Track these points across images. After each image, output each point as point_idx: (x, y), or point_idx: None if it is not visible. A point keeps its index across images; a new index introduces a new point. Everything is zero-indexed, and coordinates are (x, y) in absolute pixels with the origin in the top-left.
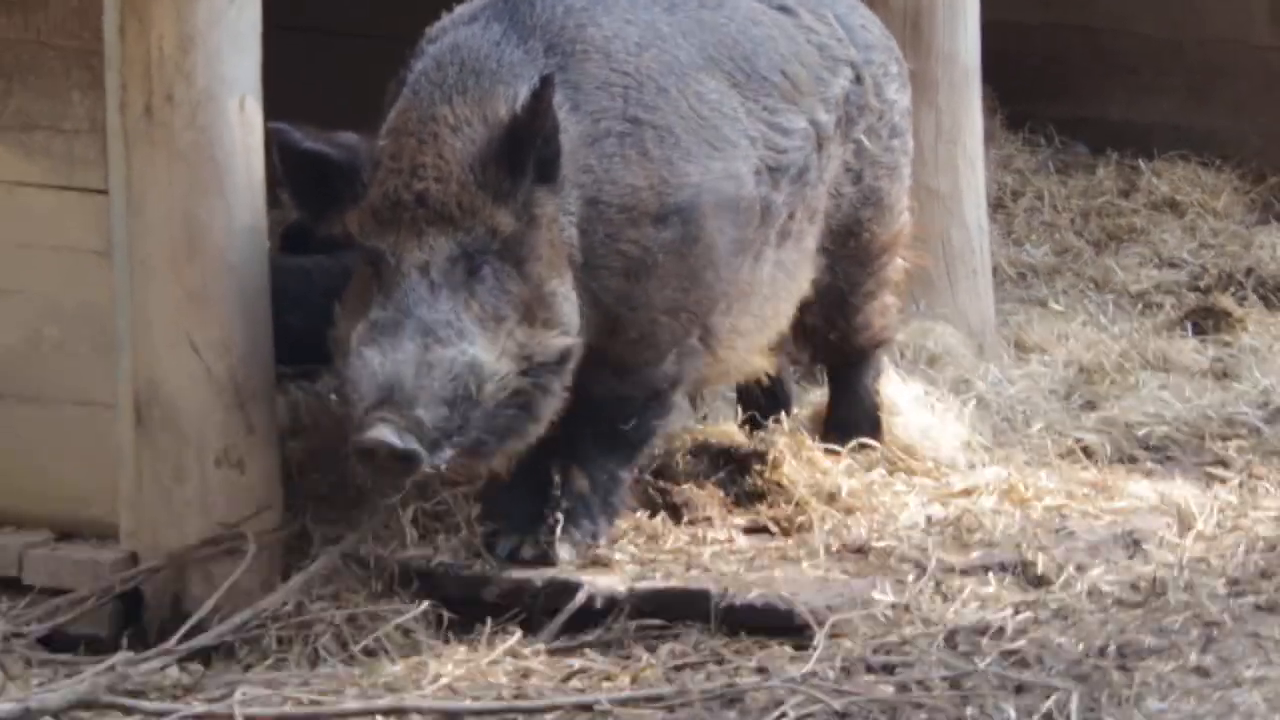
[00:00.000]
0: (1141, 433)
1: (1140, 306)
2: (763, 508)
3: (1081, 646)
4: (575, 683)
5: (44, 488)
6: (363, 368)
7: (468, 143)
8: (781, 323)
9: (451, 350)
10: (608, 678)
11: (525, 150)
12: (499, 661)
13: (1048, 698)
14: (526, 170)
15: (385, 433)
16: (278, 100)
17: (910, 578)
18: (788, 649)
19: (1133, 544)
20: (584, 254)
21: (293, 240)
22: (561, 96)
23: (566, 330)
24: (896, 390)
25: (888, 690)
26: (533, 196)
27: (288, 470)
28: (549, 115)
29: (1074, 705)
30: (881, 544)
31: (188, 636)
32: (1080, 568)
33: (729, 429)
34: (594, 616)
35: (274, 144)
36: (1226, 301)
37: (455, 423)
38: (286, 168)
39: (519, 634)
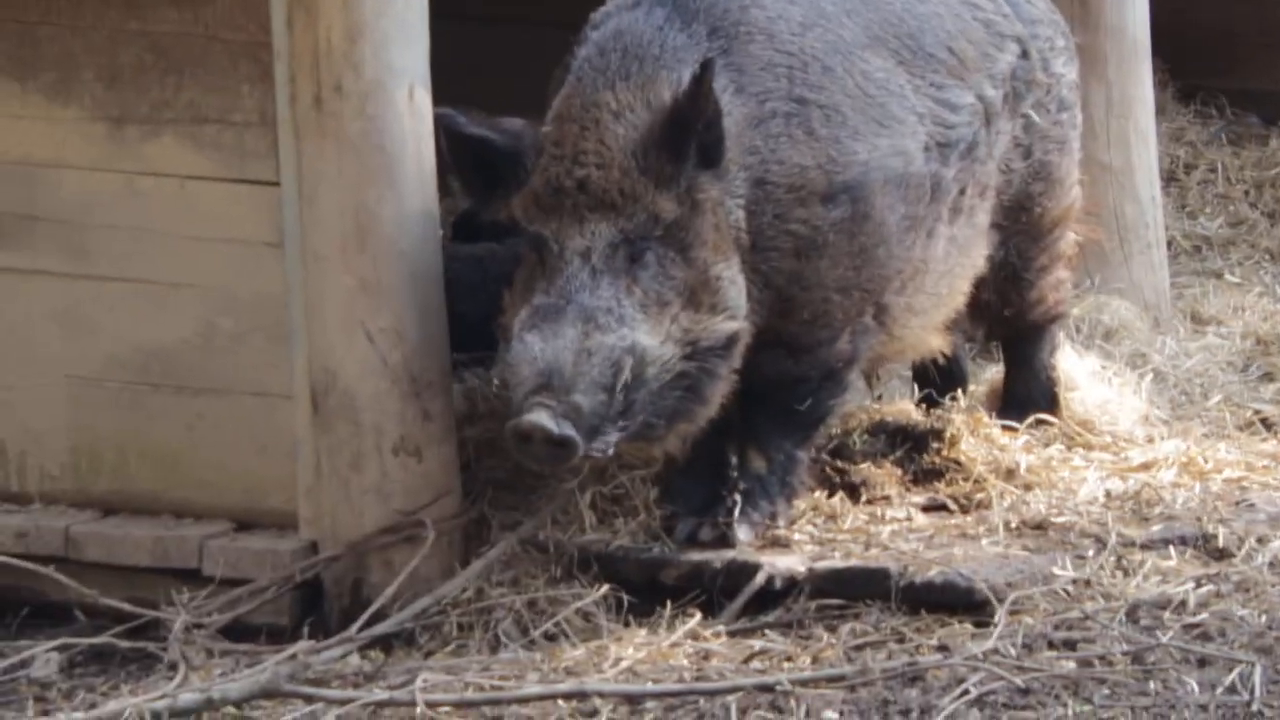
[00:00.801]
0: None
1: None
2: (941, 485)
3: (1264, 619)
4: (756, 664)
5: (222, 479)
6: (523, 353)
7: (630, 129)
8: (957, 300)
9: (611, 336)
10: (788, 658)
11: (687, 135)
12: (679, 644)
13: (1230, 671)
14: (688, 155)
15: (542, 417)
16: (448, 89)
17: (1090, 553)
18: (968, 626)
19: None
20: (752, 235)
21: (465, 228)
22: (725, 80)
23: (733, 314)
24: (1073, 365)
25: (1069, 666)
26: (695, 182)
27: (465, 457)
28: (710, 100)
29: (1257, 678)
30: (1061, 519)
31: (368, 624)
32: (1261, 540)
33: (905, 407)
34: (774, 597)
35: (440, 129)
36: None
37: (616, 408)
38: (452, 153)
39: (699, 616)
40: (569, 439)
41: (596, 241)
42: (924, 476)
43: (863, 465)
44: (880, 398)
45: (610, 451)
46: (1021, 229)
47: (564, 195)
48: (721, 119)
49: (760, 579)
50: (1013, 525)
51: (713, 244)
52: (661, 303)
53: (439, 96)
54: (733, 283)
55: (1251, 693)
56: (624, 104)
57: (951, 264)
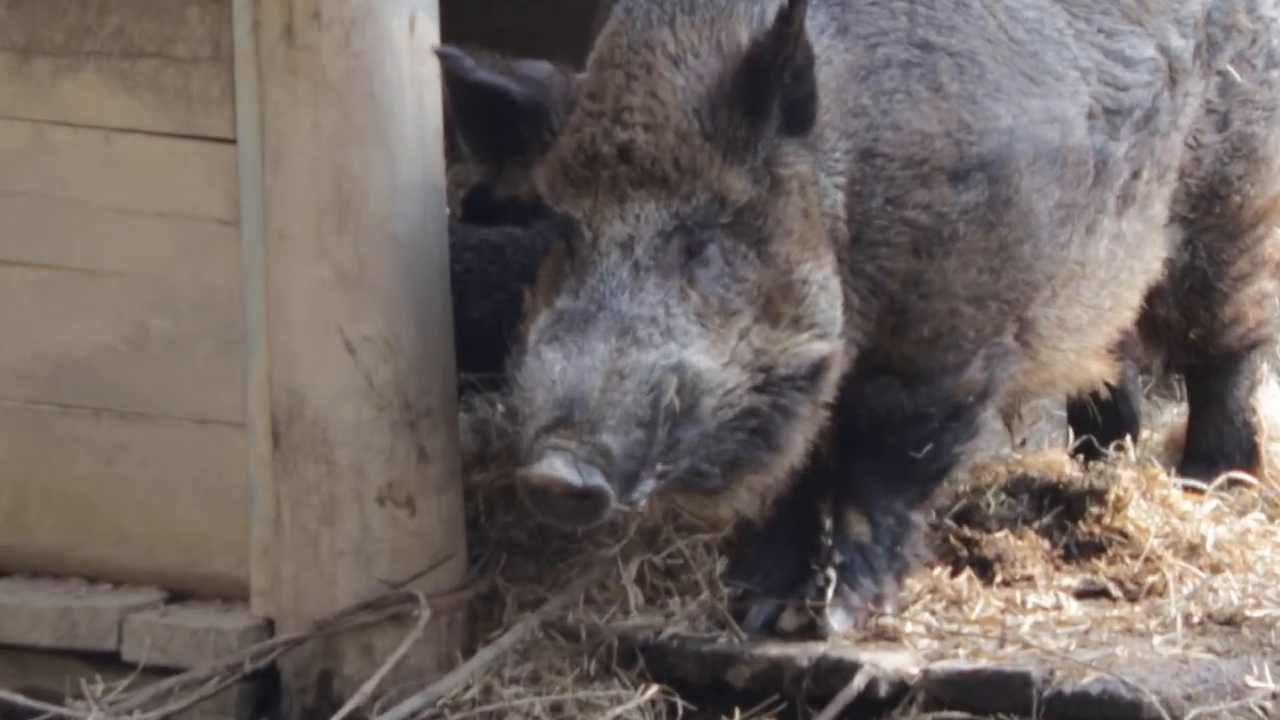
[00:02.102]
0: None
1: None
2: (1101, 564)
3: None
4: None
5: (151, 533)
6: (539, 375)
7: (693, 79)
8: (1124, 315)
9: (652, 354)
10: None
11: (768, 90)
12: None
13: None
14: (769, 116)
15: (558, 466)
16: (462, 20)
17: None
18: None
19: None
20: (856, 225)
21: (480, 206)
22: (825, 17)
23: (824, 332)
24: (1278, 408)
25: None
26: (778, 152)
27: (472, 510)
28: (801, 43)
29: None
30: (1259, 613)
31: None
32: None
33: (1056, 458)
34: (877, 706)
35: (442, 74)
36: None
37: (658, 449)
38: (458, 106)
39: None
40: (597, 490)
41: (642, 229)
42: (1079, 551)
43: (998, 535)
44: (1024, 444)
45: (642, 504)
46: (1215, 224)
47: (601, 165)
48: (813, 71)
49: (859, 683)
50: (1195, 619)
51: (800, 236)
52: (727, 312)
53: (450, 30)
54: (824, 288)
55: None
56: (686, 46)
57: (1118, 268)
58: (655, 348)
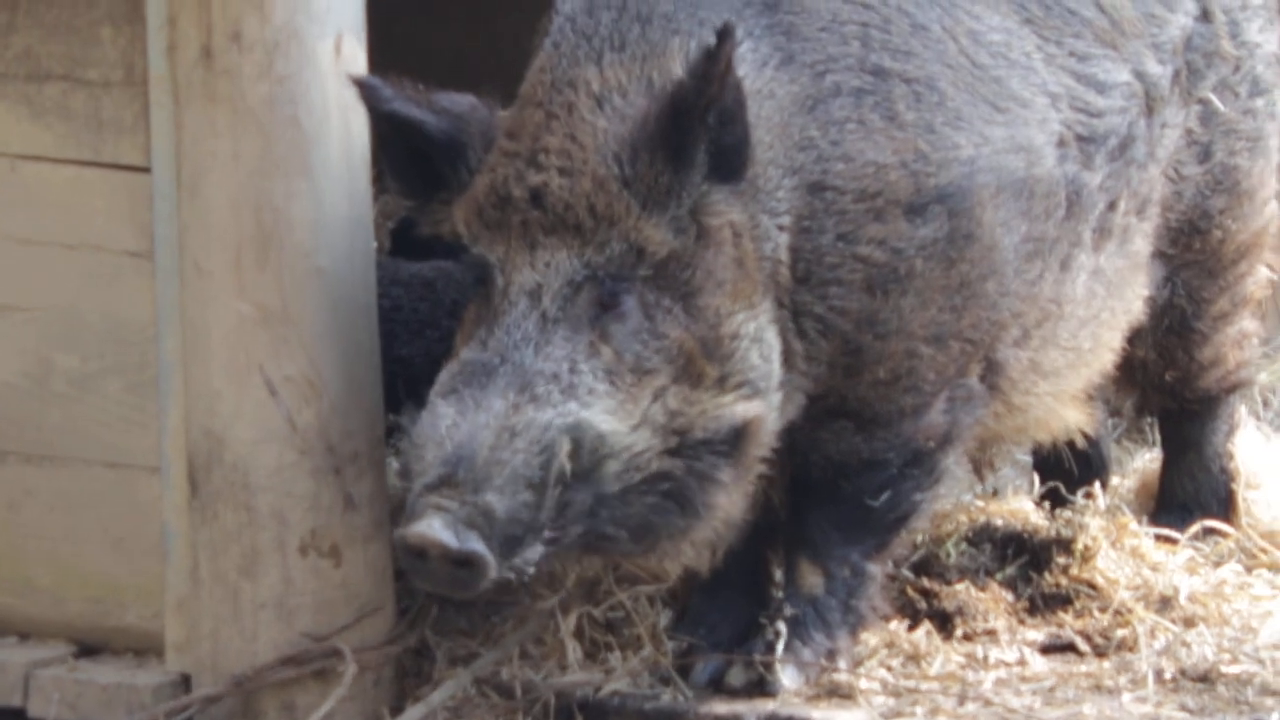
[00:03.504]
0: None
1: None
2: (1068, 617)
3: None
4: None
5: (59, 583)
6: (430, 430)
7: (615, 121)
8: (1105, 358)
9: (548, 413)
10: None
11: (692, 134)
12: None
13: None
14: (695, 163)
15: (435, 526)
16: (392, 43)
17: (1274, 717)
18: None
19: None
20: (805, 264)
21: (410, 239)
22: (769, 47)
23: (753, 390)
24: (1257, 454)
25: None
26: (706, 200)
27: (401, 561)
28: (729, 84)
29: None
30: (1235, 669)
31: None
32: None
33: (1021, 506)
34: None
35: (362, 103)
36: None
37: (547, 512)
38: (378, 137)
39: None
40: (475, 556)
41: (551, 278)
42: (1044, 604)
43: (959, 586)
44: (995, 493)
45: (530, 571)
46: (1195, 260)
47: (512, 209)
48: (745, 113)
49: None
50: (1167, 675)
51: (731, 287)
52: (641, 371)
53: (379, 51)
54: (757, 341)
55: None
56: (613, 85)
57: (1097, 307)
58: (552, 406)
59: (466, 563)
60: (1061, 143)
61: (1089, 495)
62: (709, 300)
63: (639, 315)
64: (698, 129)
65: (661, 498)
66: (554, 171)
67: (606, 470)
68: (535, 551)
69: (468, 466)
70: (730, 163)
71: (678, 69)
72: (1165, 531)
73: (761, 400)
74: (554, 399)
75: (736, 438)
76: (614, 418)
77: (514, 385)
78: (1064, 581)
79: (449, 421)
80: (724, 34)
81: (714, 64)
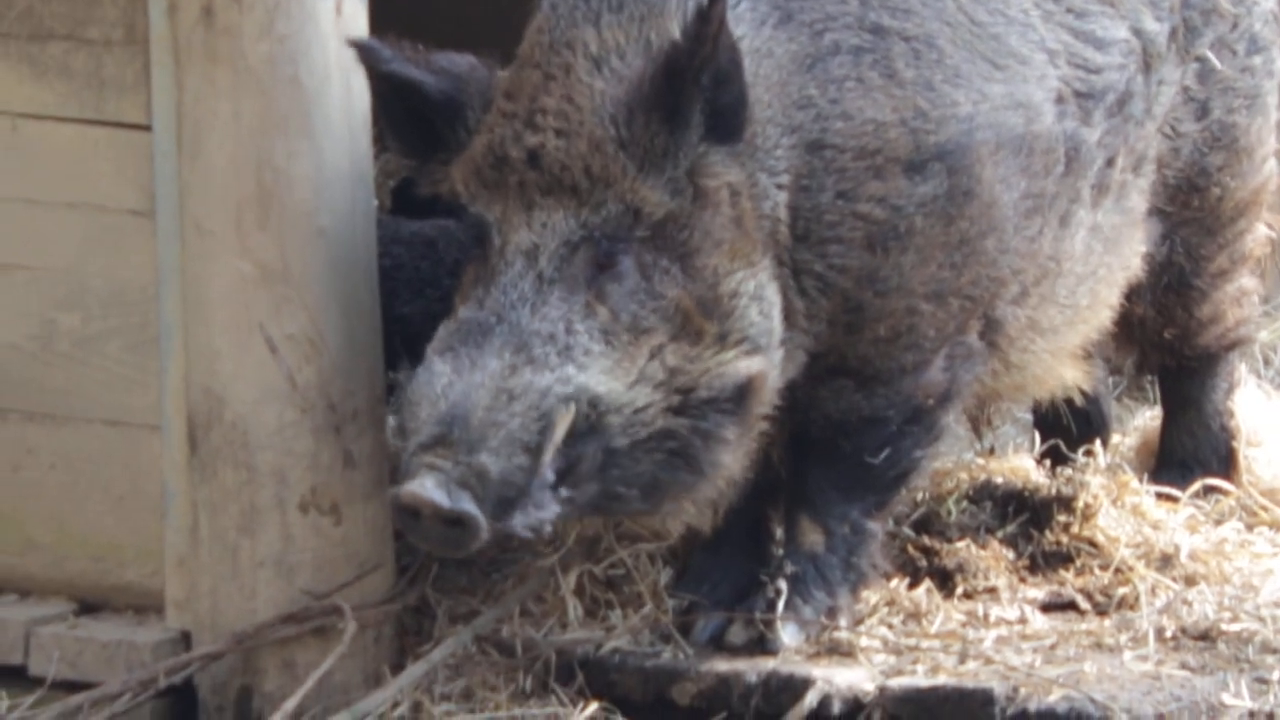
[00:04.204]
0: None
1: None
2: (1068, 575)
3: None
4: None
5: (60, 541)
6: (426, 389)
7: (613, 83)
8: (1103, 315)
9: (545, 376)
10: None
11: (687, 95)
12: None
13: None
14: (690, 124)
15: (428, 486)
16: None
17: (1275, 675)
18: None
19: None
20: (804, 222)
21: (410, 198)
22: (767, 6)
23: (754, 346)
24: (1257, 411)
25: None
26: (704, 162)
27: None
28: (722, 45)
29: None
30: (1235, 627)
31: None
32: None
33: (1022, 464)
34: None
35: (361, 64)
36: None
37: (545, 476)
38: (378, 98)
39: None
40: (467, 516)
41: (547, 238)
42: (1045, 562)
43: (959, 544)
44: (993, 450)
45: (547, 531)
46: (1193, 217)
47: (509, 169)
48: (741, 73)
49: (811, 700)
50: (1168, 634)
51: (730, 247)
52: (638, 330)
53: (382, 12)
54: (757, 299)
55: None
56: (610, 45)
57: (1095, 263)
58: (550, 370)
59: (458, 522)
60: (1060, 99)
61: (1089, 453)
62: (707, 260)
63: (636, 275)
64: (692, 90)
65: (669, 455)
66: (550, 132)
67: (610, 424)
68: (546, 511)
69: (462, 426)
70: (728, 123)
71: (675, 30)
72: (1166, 489)
73: (763, 356)
74: (551, 361)
75: (740, 395)
76: (609, 377)
77: (510, 345)
78: (1065, 539)
79: (445, 380)
80: None
81: (707, 24)
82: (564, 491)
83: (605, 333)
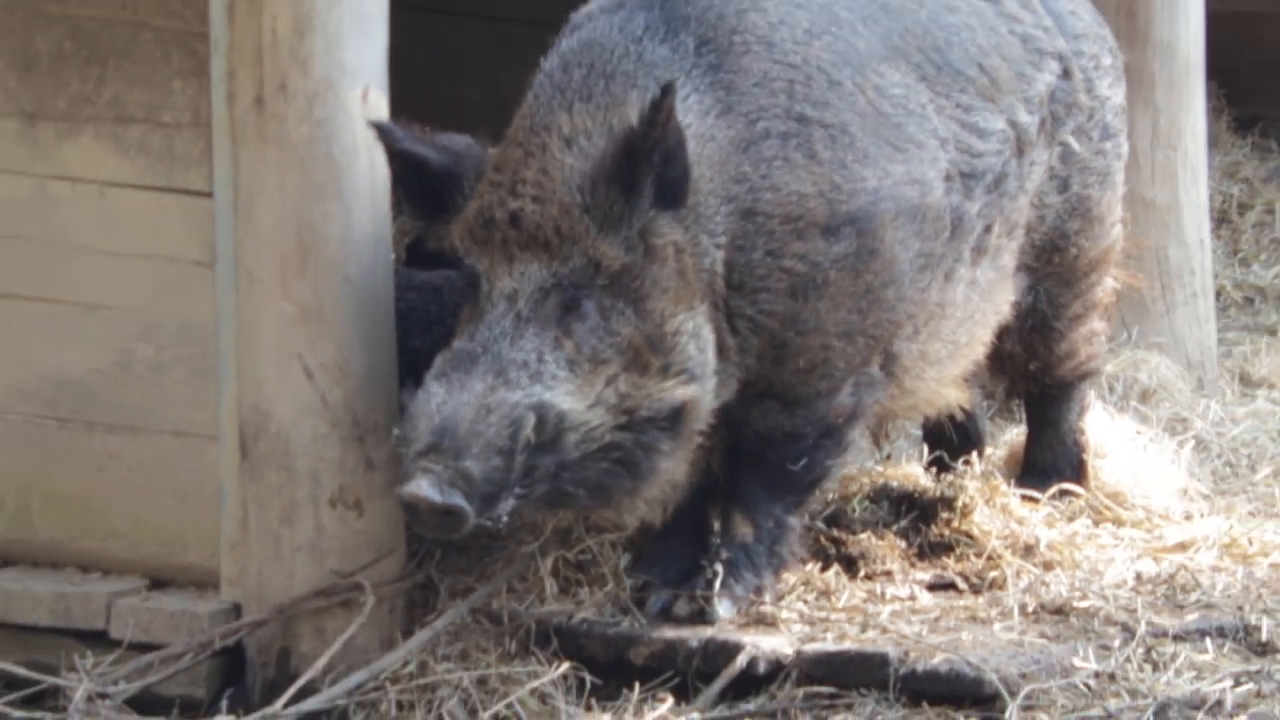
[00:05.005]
0: None
1: None
2: (950, 561)
3: None
4: None
5: (135, 529)
6: (422, 406)
7: (580, 159)
8: (978, 350)
9: (517, 394)
10: None
11: (640, 170)
12: None
13: None
14: (642, 194)
15: (423, 485)
16: (410, 93)
17: (1116, 643)
18: None
19: None
20: (739, 274)
21: (421, 252)
22: (711, 100)
23: (691, 376)
24: (1104, 429)
25: None
26: (653, 225)
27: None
28: (670, 130)
29: None
30: (1084, 604)
31: (296, 699)
32: None
33: (913, 471)
34: (757, 682)
35: (381, 143)
36: None
37: (516, 475)
38: (393, 170)
39: (670, 701)
40: (456, 509)
41: (525, 284)
42: (931, 550)
43: (862, 536)
44: (889, 459)
45: (505, 520)
46: (1054, 272)
47: (495, 228)
48: (685, 152)
49: (742, 661)
50: (1029, 609)
51: (674, 293)
52: (597, 360)
53: (400, 100)
54: (695, 337)
55: None
56: (579, 129)
57: (973, 309)
58: (521, 388)
59: (449, 513)
60: (948, 178)
61: (967, 462)
62: (655, 304)
63: (596, 316)
64: (645, 166)
65: (613, 464)
66: (529, 199)
67: (567, 441)
68: (508, 505)
69: (451, 437)
70: (673, 193)
71: (633, 117)
72: (1029, 492)
73: (698, 385)
74: (523, 382)
75: (676, 415)
76: (572, 398)
77: (491, 370)
78: (947, 532)
79: (438, 399)
80: (666, 89)
81: (658, 113)
82: (518, 490)
83: (570, 362)
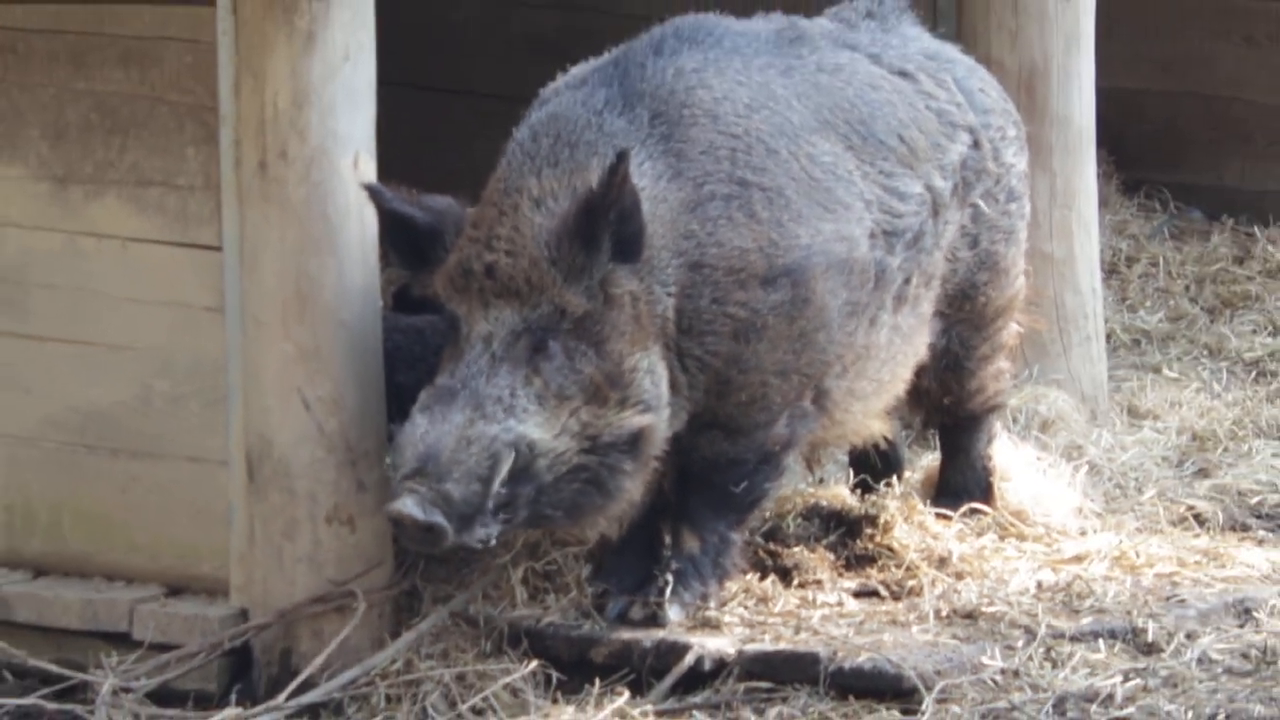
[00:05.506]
0: (1254, 500)
1: (1254, 374)
2: (873, 571)
3: (1191, 715)
4: None
5: (155, 543)
6: (409, 435)
7: (547, 217)
8: (899, 387)
9: (494, 427)
10: None
11: (599, 228)
12: None
13: None
14: (601, 248)
15: (409, 504)
16: (404, 158)
17: (1020, 643)
18: (896, 713)
19: (1244, 612)
20: (688, 320)
21: (406, 299)
22: (663, 166)
23: (645, 408)
24: (1008, 455)
25: None
26: (612, 276)
27: None
28: (625, 192)
29: None
30: (991, 609)
31: (296, 693)
32: (1191, 635)
33: (840, 492)
34: (703, 678)
35: (371, 203)
36: None
37: (497, 500)
38: (382, 227)
39: (627, 695)
40: (437, 526)
41: (499, 328)
42: (857, 562)
43: (796, 549)
44: (821, 481)
45: (492, 542)
46: (965, 318)
47: (472, 278)
48: (639, 212)
49: (690, 659)
50: (943, 613)
51: (631, 336)
52: (562, 396)
53: (387, 165)
54: (649, 373)
55: None
56: (547, 191)
57: (894, 351)
58: (497, 422)
59: (430, 530)
60: (873, 235)
61: (889, 484)
62: (614, 346)
63: (562, 356)
64: (603, 223)
65: (584, 484)
66: (502, 253)
67: (539, 466)
68: (491, 529)
69: (434, 462)
70: (629, 248)
71: (594, 180)
72: (943, 511)
73: (653, 414)
74: (498, 416)
75: (634, 440)
76: (541, 429)
77: (470, 404)
78: (870, 546)
79: (422, 429)
80: (621, 156)
81: (614, 176)
82: (504, 515)
83: (539, 397)
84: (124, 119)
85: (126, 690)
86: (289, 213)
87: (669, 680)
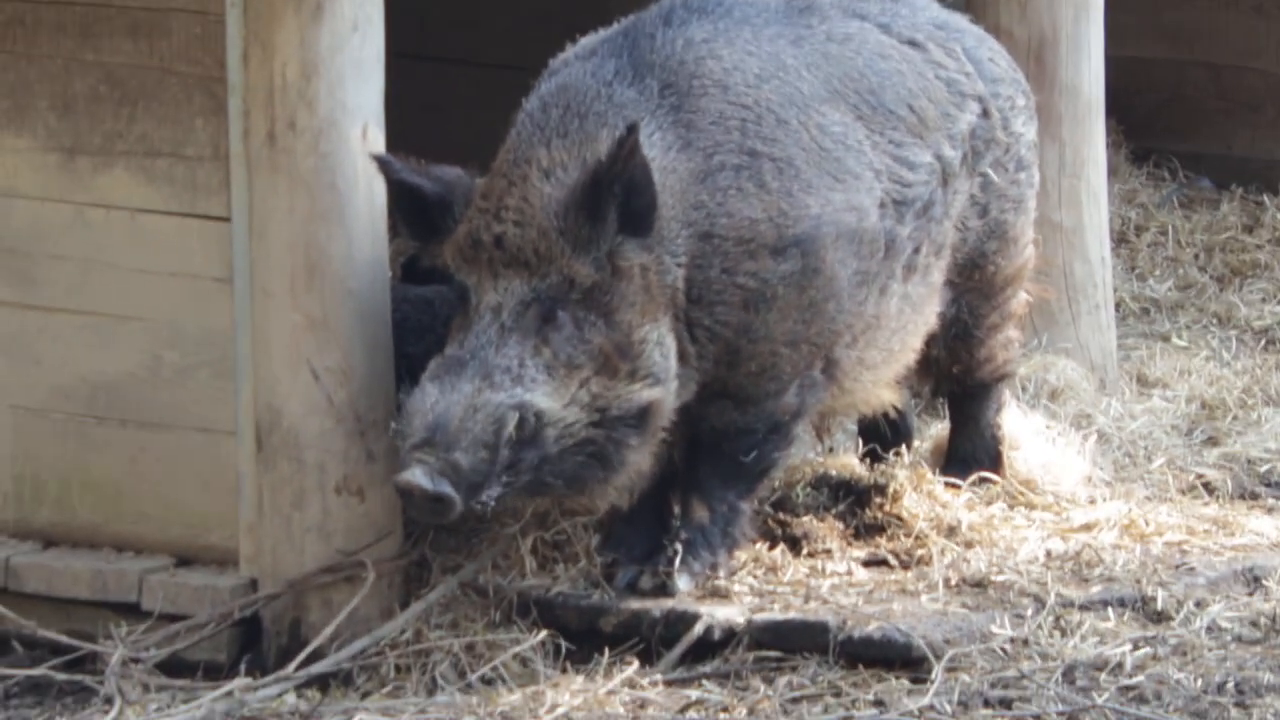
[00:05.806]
0: (1263, 469)
1: (1263, 342)
2: (882, 540)
3: (1200, 683)
4: (692, 714)
5: (164, 513)
6: (418, 404)
7: (557, 188)
8: (908, 356)
9: (501, 395)
10: (725, 709)
11: (606, 200)
12: (616, 692)
13: None
14: (608, 220)
15: (417, 474)
16: (413, 128)
17: (1029, 612)
18: (905, 682)
19: (1253, 580)
20: (698, 290)
21: (415, 270)
22: (673, 136)
23: (654, 380)
24: (1017, 424)
25: None
26: (620, 249)
27: None
28: (633, 163)
29: None
30: (1000, 578)
31: (306, 663)
32: (1200, 604)
33: (849, 461)
34: (712, 647)
35: (380, 173)
36: None
37: (500, 466)
38: (390, 197)
39: (636, 664)
40: (445, 496)
41: (508, 298)
42: (866, 531)
43: (805, 518)
44: (832, 450)
45: (491, 505)
46: (974, 287)
47: (482, 249)
48: (651, 186)
49: (699, 629)
50: (952, 582)
51: (640, 307)
52: (571, 366)
53: (396, 136)
54: (659, 345)
55: None
56: (556, 162)
57: (904, 320)
58: (504, 390)
59: (439, 500)
60: (882, 205)
61: (898, 454)
62: (623, 316)
63: (571, 326)
64: (609, 195)
65: (588, 457)
66: (511, 224)
67: (546, 436)
68: (494, 492)
69: (442, 432)
70: (640, 222)
71: (604, 151)
72: (952, 480)
73: (662, 387)
74: (506, 385)
75: (642, 414)
76: (550, 399)
77: (478, 374)
78: (879, 515)
79: (432, 399)
80: (630, 129)
81: (622, 148)
82: (505, 478)
83: (548, 367)
84: (132, 90)
85: (136, 660)
86: (298, 183)
87: (678, 649)
